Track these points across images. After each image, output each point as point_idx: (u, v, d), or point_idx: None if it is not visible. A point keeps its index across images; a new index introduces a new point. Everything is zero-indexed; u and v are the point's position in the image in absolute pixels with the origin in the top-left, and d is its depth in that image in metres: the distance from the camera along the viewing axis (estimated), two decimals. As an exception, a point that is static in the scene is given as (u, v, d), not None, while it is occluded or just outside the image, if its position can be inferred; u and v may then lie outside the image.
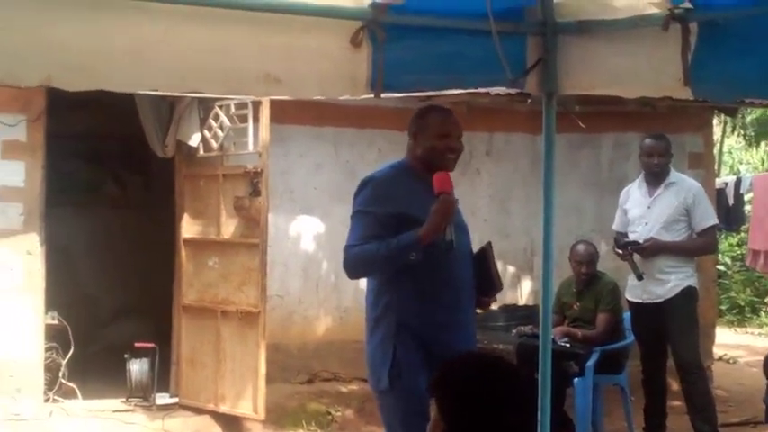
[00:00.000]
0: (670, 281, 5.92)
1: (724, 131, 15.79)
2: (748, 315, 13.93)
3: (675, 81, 3.54)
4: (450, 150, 3.78)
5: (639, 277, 5.90)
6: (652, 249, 5.91)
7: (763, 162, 17.51)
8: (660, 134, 6.28)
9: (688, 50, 3.46)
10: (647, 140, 6.16)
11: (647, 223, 6.02)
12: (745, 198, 11.39)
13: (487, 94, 7.28)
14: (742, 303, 14.16)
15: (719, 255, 14.80)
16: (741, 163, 19.18)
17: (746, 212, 11.38)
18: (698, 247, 6.10)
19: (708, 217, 6.03)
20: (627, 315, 6.36)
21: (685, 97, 3.68)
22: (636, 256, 5.95)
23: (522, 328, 6.38)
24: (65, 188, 9.56)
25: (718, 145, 16.26)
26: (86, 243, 9.14)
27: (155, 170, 8.45)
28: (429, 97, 7.43)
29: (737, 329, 13.21)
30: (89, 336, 8.17)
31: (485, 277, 3.84)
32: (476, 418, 2.11)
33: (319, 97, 4.08)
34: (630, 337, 6.36)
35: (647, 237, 5.95)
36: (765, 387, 6.12)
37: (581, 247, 6.41)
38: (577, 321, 6.43)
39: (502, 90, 4.52)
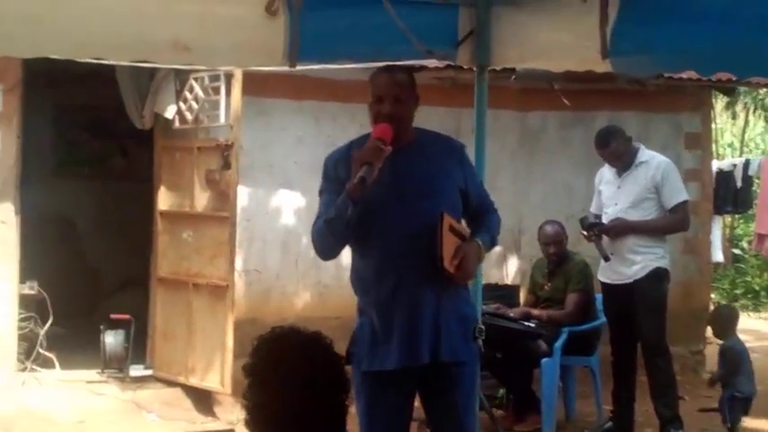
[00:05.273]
0: (639, 261, 5.76)
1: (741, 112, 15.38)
2: (764, 300, 13.70)
3: (596, 54, 3.45)
4: (380, 116, 3.31)
5: (606, 258, 5.77)
6: (617, 230, 5.77)
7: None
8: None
9: (606, 23, 3.37)
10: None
11: (616, 203, 5.88)
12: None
13: (471, 70, 7.15)
14: (757, 288, 13.93)
15: (737, 240, 14.59)
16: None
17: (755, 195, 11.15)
18: (667, 225, 5.87)
19: (677, 193, 5.81)
20: (600, 296, 6.25)
21: (606, 71, 3.58)
22: (605, 237, 5.84)
23: (485, 306, 6.27)
24: (71, 161, 9.67)
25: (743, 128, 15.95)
26: (91, 215, 9.28)
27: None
28: (391, 68, 7.35)
29: (751, 314, 12.96)
30: (91, 307, 8.31)
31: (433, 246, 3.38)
32: (267, 395, 2.11)
33: (233, 67, 4.03)
34: (602, 319, 6.25)
35: (616, 217, 5.83)
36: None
37: (547, 228, 6.34)
38: (549, 302, 6.34)
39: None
